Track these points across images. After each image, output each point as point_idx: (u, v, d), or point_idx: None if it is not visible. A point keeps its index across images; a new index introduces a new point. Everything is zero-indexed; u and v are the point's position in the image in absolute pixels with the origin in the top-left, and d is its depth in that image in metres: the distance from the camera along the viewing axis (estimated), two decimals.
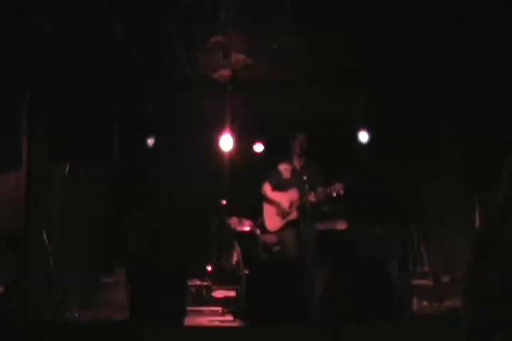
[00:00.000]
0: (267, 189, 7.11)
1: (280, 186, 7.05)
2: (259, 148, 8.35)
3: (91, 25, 5.56)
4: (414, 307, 5.81)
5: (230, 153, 7.79)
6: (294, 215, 6.87)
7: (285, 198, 6.95)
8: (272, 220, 7.02)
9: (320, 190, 6.70)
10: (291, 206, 6.89)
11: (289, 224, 6.89)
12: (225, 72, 7.23)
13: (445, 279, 6.57)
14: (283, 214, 6.94)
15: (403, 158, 7.86)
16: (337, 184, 6.64)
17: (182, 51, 6.50)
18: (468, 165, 7.19)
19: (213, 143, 7.70)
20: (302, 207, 6.78)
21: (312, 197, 6.70)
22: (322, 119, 7.89)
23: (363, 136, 7.88)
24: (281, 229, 6.96)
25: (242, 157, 8.03)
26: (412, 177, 7.86)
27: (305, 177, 6.72)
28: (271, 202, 7.04)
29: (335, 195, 6.65)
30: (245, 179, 7.88)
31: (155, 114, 7.73)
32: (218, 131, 7.62)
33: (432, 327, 4.87)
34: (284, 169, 7.08)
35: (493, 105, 6.43)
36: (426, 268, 6.99)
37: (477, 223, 6.70)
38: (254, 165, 8.05)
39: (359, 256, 6.79)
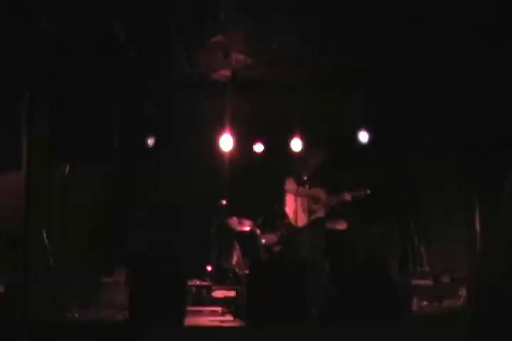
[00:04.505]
0: (291, 184, 7.31)
1: (304, 183, 7.31)
2: (259, 148, 8.33)
3: (91, 25, 5.56)
4: (414, 307, 5.81)
5: (230, 153, 7.79)
6: (319, 214, 7.28)
7: (310, 196, 7.28)
8: (298, 215, 7.25)
9: (343, 194, 7.20)
10: (316, 204, 7.27)
11: (314, 223, 7.23)
12: (225, 72, 7.23)
13: (445, 279, 6.57)
14: (310, 211, 7.26)
15: (403, 158, 7.86)
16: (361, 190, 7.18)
17: (182, 51, 6.49)
18: (468, 165, 7.19)
19: (213, 143, 7.69)
20: (327, 207, 7.25)
21: (336, 199, 7.20)
22: (322, 119, 7.88)
23: (363, 136, 7.88)
24: (306, 226, 7.24)
25: (242, 157, 8.02)
26: (412, 177, 7.85)
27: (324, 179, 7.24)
28: (299, 196, 7.23)
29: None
30: (245, 179, 7.88)
31: (155, 113, 7.72)
32: (218, 131, 7.62)
33: (432, 327, 4.87)
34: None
35: (492, 105, 6.43)
36: (426, 268, 6.99)
37: (477, 223, 6.71)
38: (254, 165, 8.05)
39: (359, 256, 6.78)
